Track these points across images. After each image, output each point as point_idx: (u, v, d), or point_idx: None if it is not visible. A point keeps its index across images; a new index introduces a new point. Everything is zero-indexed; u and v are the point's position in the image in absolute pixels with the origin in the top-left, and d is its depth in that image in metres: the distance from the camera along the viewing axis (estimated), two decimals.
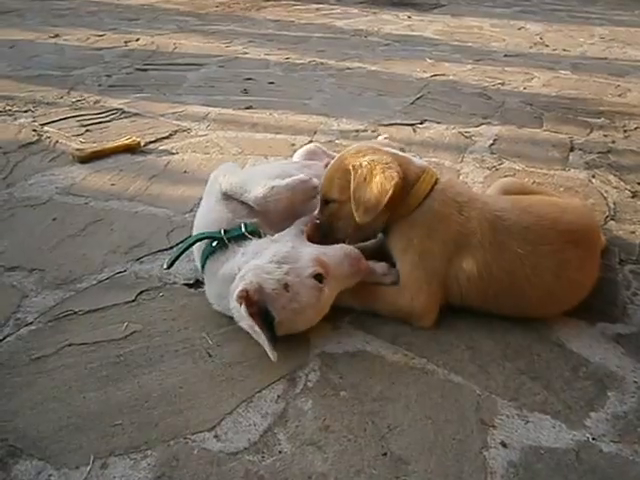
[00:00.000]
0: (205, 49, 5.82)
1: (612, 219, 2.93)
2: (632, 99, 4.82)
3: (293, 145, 3.62)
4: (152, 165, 3.33)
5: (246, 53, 5.75)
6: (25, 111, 4.06)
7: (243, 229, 2.17)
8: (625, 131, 4.10)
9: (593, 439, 1.77)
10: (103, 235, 2.67)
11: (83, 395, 1.85)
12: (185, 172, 3.24)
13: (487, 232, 2.12)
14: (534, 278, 2.11)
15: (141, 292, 2.31)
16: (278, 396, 1.87)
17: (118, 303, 2.25)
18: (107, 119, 3.97)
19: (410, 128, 3.96)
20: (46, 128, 3.78)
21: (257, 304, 1.92)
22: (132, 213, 2.84)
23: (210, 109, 4.19)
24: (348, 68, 5.39)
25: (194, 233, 2.32)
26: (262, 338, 1.86)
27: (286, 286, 1.94)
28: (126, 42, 5.96)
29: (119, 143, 3.50)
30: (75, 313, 2.20)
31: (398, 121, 4.06)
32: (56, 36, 6.12)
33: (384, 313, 2.20)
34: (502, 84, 5.09)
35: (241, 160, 3.37)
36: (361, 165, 2.15)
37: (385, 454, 1.70)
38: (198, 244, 2.23)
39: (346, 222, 2.23)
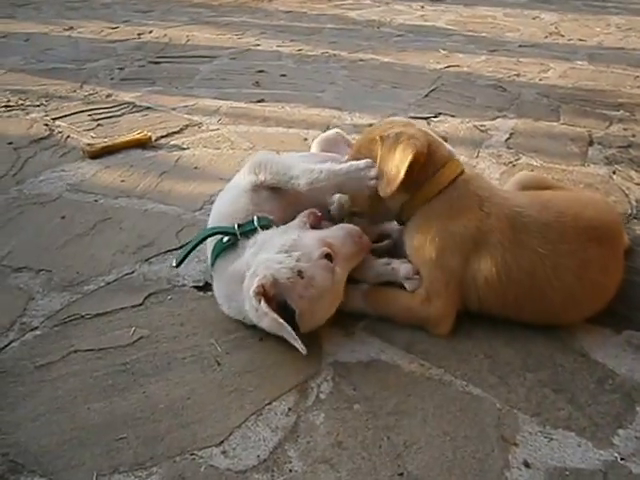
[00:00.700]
0: (217, 41, 5.70)
1: (635, 218, 2.77)
2: None
3: (305, 140, 3.51)
4: (163, 161, 3.23)
5: (258, 45, 5.62)
6: (37, 105, 3.96)
7: (256, 223, 2.06)
8: None
9: (622, 459, 1.64)
10: (112, 234, 2.57)
11: (87, 406, 1.75)
12: (196, 168, 3.12)
13: (506, 230, 1.99)
14: (555, 280, 1.98)
15: (149, 295, 2.21)
16: (289, 409, 1.76)
17: (125, 307, 2.15)
18: (119, 113, 3.86)
19: (424, 122, 3.81)
20: (58, 122, 3.69)
21: (274, 299, 1.83)
22: (142, 211, 2.74)
23: (222, 102, 4.07)
24: (361, 60, 5.26)
25: (210, 224, 2.22)
26: (289, 332, 1.77)
27: (300, 273, 1.85)
28: (139, 34, 5.85)
29: (130, 138, 3.39)
30: (82, 317, 2.10)
31: (412, 114, 3.91)
32: (70, 29, 6.02)
33: (399, 319, 2.07)
34: (517, 75, 4.93)
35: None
36: (388, 136, 2.06)
37: (402, 474, 1.58)
38: (211, 241, 2.13)
39: (362, 196, 2.17)
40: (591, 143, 3.62)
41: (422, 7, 7.75)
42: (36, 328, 2.04)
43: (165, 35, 5.85)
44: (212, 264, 2.11)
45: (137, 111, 3.91)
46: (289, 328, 1.77)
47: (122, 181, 2.99)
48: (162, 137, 3.51)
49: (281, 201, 2.18)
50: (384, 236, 2.41)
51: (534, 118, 3.98)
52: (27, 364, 1.89)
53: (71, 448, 1.63)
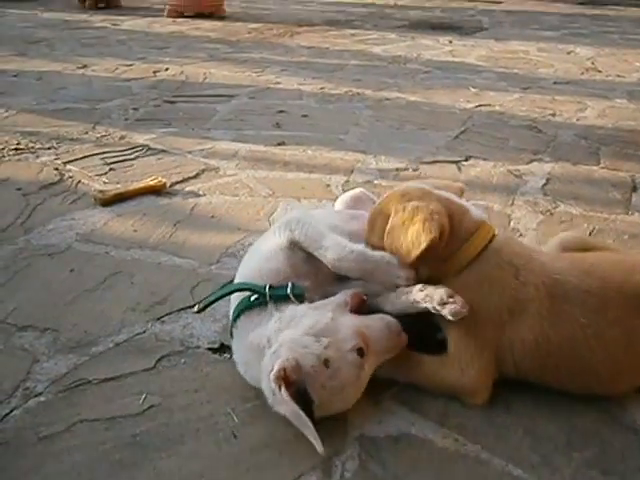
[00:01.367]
0: (236, 79, 5.71)
1: None
2: None
3: (328, 186, 3.46)
4: (177, 209, 3.19)
5: (278, 83, 5.62)
6: (48, 148, 3.95)
7: (289, 290, 1.98)
8: None
9: None
10: (123, 289, 2.52)
11: None
12: (212, 217, 3.08)
13: (545, 298, 1.91)
14: (599, 350, 1.89)
15: (161, 358, 2.15)
16: None
17: (136, 371, 2.09)
18: (132, 157, 3.84)
19: (454, 166, 3.77)
20: (69, 167, 3.67)
21: (294, 385, 1.73)
22: (155, 264, 2.69)
23: (240, 145, 4.05)
24: (386, 99, 5.23)
25: (237, 280, 2.16)
26: (308, 427, 1.67)
27: (326, 362, 1.76)
28: (155, 72, 5.87)
29: (143, 184, 3.36)
30: (89, 382, 2.04)
31: (441, 158, 3.87)
32: (84, 67, 6.06)
33: (430, 388, 1.99)
34: (553, 115, 4.87)
35: (272, 203, 3.20)
36: (404, 209, 1.98)
37: None
38: (236, 296, 2.06)
39: None
40: (635, 189, 3.53)
41: (450, 42, 7.74)
42: (40, 394, 1.98)
43: (182, 72, 5.87)
44: (234, 320, 2.03)
45: (151, 154, 3.89)
46: (309, 423, 1.68)
47: (134, 231, 2.95)
48: (177, 183, 3.47)
49: (320, 265, 2.09)
50: None
51: (572, 162, 3.90)
52: (30, 434, 1.83)
53: None
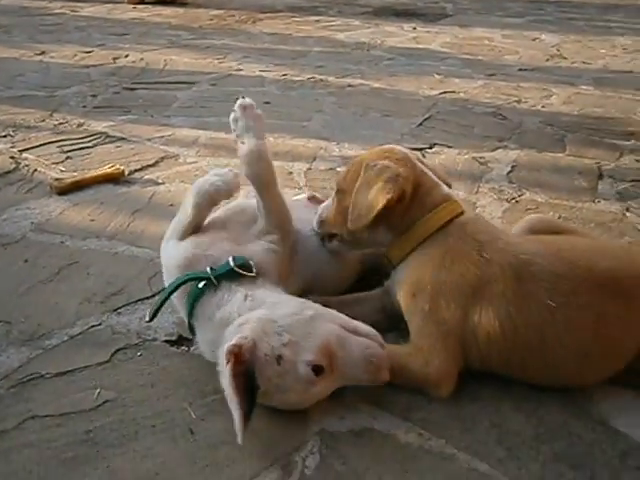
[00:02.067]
0: (197, 65, 5.61)
1: None
2: None
3: (290, 173, 3.41)
4: (136, 197, 3.11)
5: (240, 70, 5.53)
6: (4, 136, 3.85)
7: (232, 263, 1.92)
8: None
9: None
10: (78, 280, 2.44)
11: None
12: (171, 205, 2.99)
13: (511, 279, 1.86)
14: (567, 337, 1.83)
15: (117, 351, 2.08)
16: None
17: (90, 364, 2.02)
18: (90, 144, 3.75)
19: (419, 153, 3.65)
20: (25, 155, 3.57)
21: (246, 364, 1.67)
22: (111, 254, 2.61)
23: (200, 132, 3.97)
24: (350, 85, 5.16)
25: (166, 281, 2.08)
26: (238, 411, 1.61)
27: (279, 358, 1.68)
28: (114, 59, 5.75)
29: (101, 172, 3.27)
30: (42, 376, 1.96)
31: (405, 145, 3.74)
32: (42, 53, 5.92)
33: (395, 380, 1.89)
34: (518, 102, 4.82)
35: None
36: (374, 166, 1.97)
37: None
38: (182, 289, 1.97)
39: (342, 219, 2.06)
40: (601, 176, 3.49)
41: (414, 29, 7.67)
42: None
43: (142, 59, 5.75)
44: (190, 313, 1.95)
45: (110, 142, 3.80)
46: (238, 407, 1.61)
47: (91, 220, 2.87)
48: (136, 171, 3.39)
49: (224, 225, 2.12)
50: None
51: (538, 149, 3.86)
52: None
53: None
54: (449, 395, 1.89)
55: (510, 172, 3.52)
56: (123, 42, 6.45)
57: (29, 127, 4.01)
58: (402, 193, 1.93)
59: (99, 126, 4.04)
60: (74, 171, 3.36)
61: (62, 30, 7.05)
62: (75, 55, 5.88)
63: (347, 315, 1.87)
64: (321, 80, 5.28)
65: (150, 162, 3.51)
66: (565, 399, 1.92)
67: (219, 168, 2.13)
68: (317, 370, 1.70)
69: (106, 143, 3.78)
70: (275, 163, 3.38)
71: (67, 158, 3.55)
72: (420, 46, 6.72)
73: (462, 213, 2.03)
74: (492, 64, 5.98)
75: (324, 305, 1.89)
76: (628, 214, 3.05)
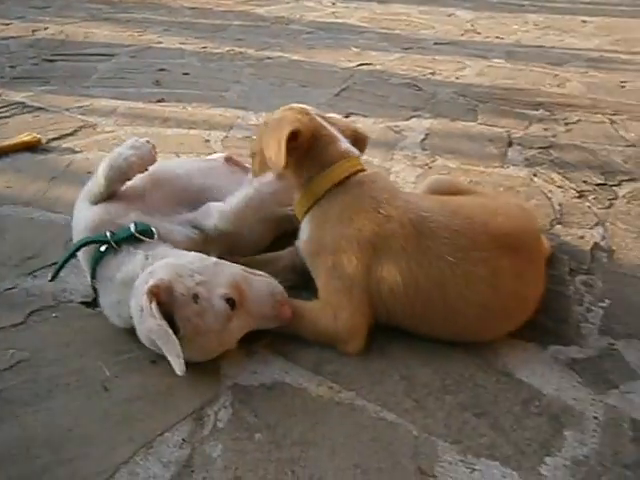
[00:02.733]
0: (117, 38, 5.48)
1: (559, 223, 2.69)
2: (572, 89, 4.59)
3: (207, 141, 3.37)
4: (53, 165, 3.04)
5: (160, 42, 5.42)
6: None
7: (133, 229, 1.91)
8: (566, 124, 3.87)
9: None
10: None
11: None
12: (89, 173, 2.88)
13: (411, 235, 1.87)
14: (467, 290, 1.86)
15: (31, 312, 2.03)
16: (183, 440, 1.61)
17: (4, 326, 1.97)
18: (7, 114, 3.64)
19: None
20: None
21: (164, 307, 1.67)
22: (27, 220, 2.55)
23: (119, 102, 3.89)
24: (268, 58, 5.12)
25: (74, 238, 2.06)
26: (173, 342, 1.61)
27: (195, 297, 1.71)
28: (34, 31, 5.58)
29: (17, 141, 3.19)
30: None
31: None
32: None
33: (306, 336, 1.93)
34: (433, 74, 4.83)
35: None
36: (273, 119, 2.01)
37: None
38: (84, 251, 1.96)
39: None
40: (510, 144, 3.54)
41: (333, 4, 7.63)
42: None
43: (61, 32, 5.59)
44: (92, 275, 1.94)
45: (28, 112, 3.69)
46: (174, 338, 1.62)
47: (7, 187, 2.80)
48: (53, 139, 3.31)
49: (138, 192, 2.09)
50: None
51: (450, 118, 3.90)
52: None
53: None
54: (359, 350, 1.91)
55: (424, 140, 3.54)
56: (43, 15, 6.26)
57: None
58: (303, 131, 1.92)
59: (17, 96, 3.92)
60: None
61: None
62: None
63: None
64: (240, 53, 5.22)
65: (68, 131, 3.43)
66: (471, 353, 1.95)
67: (136, 138, 2.07)
68: (231, 304, 1.75)
69: (24, 113, 3.68)
70: (192, 132, 3.42)
71: None
72: (339, 20, 6.68)
73: (361, 170, 2.03)
74: (409, 38, 5.99)
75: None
76: (535, 179, 3.10)
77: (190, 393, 1.73)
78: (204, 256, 1.88)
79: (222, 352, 1.81)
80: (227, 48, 5.33)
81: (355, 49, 5.49)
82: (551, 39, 6.23)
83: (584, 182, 3.10)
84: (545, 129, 3.78)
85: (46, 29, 5.68)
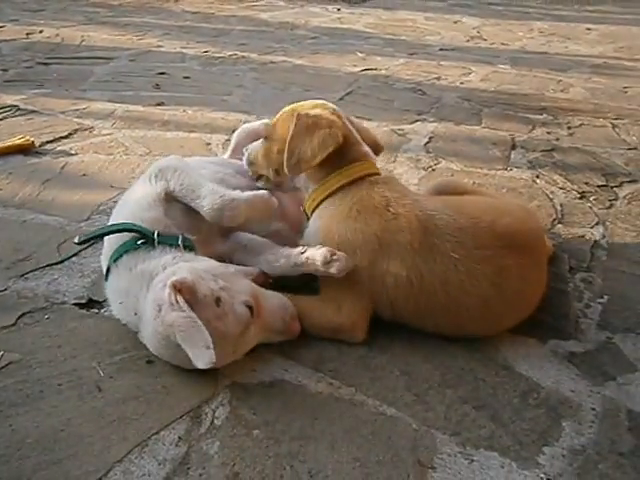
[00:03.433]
0: (115, 42, 5.55)
1: (560, 222, 2.77)
2: (575, 94, 4.71)
3: (208, 144, 3.41)
4: (47, 168, 3.07)
5: (160, 46, 5.50)
6: None
7: (180, 241, 1.95)
8: (569, 128, 3.97)
9: (548, 479, 1.58)
10: None
11: None
12: (84, 175, 2.98)
13: (417, 232, 1.94)
14: (471, 287, 1.92)
15: (23, 314, 2.06)
16: (179, 437, 1.63)
17: None
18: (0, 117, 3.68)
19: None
20: None
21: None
22: (19, 222, 2.58)
23: (117, 105, 3.94)
24: (272, 62, 5.18)
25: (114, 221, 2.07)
26: (201, 333, 1.62)
27: (218, 300, 1.74)
28: (28, 34, 5.66)
29: (10, 143, 3.23)
30: None
31: None
32: None
33: (311, 330, 1.98)
34: (438, 79, 4.92)
35: (149, 161, 3.10)
36: (307, 115, 2.05)
37: None
38: (119, 237, 1.97)
39: (269, 163, 2.22)
40: (514, 147, 3.62)
41: (338, 10, 7.73)
42: None
43: (57, 35, 5.67)
44: (114, 259, 1.94)
45: (21, 115, 3.74)
46: (204, 328, 1.63)
47: None
48: (47, 142, 3.35)
49: (203, 220, 2.05)
50: None
51: (455, 122, 3.97)
52: None
53: None
54: (362, 340, 1.97)
55: (427, 143, 3.61)
56: (38, 18, 6.35)
57: None
58: (341, 141, 2.01)
59: (9, 99, 3.97)
60: None
61: None
62: None
63: None
64: (243, 57, 5.28)
65: (63, 134, 3.47)
66: (472, 348, 2.01)
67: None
68: (251, 311, 1.79)
69: (17, 116, 3.72)
70: (192, 135, 3.45)
71: None
72: (344, 26, 6.78)
73: (376, 174, 2.10)
74: (414, 44, 6.08)
75: None
76: (538, 181, 3.19)
77: (187, 392, 1.76)
78: (225, 264, 1.95)
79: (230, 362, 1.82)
80: (229, 52, 5.39)
81: (360, 54, 5.57)
82: (556, 46, 6.35)
83: (585, 183, 3.19)
84: (548, 133, 3.88)
85: (41, 32, 5.76)
